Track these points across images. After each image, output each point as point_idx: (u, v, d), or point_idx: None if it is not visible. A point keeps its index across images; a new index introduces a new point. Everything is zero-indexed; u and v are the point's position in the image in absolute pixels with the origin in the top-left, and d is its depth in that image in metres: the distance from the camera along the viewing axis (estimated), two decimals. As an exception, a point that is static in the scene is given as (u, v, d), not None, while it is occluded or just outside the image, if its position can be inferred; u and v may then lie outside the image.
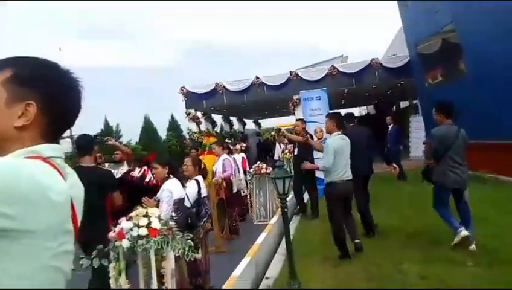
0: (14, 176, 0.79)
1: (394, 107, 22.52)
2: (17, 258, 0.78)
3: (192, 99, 15.92)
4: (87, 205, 3.46)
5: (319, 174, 7.19)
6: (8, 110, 0.91)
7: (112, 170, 4.71)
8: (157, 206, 3.54)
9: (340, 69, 14.54)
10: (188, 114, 16.05)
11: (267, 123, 30.70)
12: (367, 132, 5.83)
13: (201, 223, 4.14)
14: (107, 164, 5.67)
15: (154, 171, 3.96)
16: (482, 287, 3.41)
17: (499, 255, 4.03)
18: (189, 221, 3.92)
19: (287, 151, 10.17)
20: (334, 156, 4.55)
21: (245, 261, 4.23)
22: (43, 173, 0.85)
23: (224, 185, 6.77)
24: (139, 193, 4.41)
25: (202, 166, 4.65)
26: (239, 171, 7.90)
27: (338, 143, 4.65)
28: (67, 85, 1.00)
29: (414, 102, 17.05)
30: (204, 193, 4.35)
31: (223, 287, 3.65)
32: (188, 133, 16.71)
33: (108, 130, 17.74)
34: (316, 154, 6.92)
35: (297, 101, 13.16)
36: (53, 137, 0.97)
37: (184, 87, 15.82)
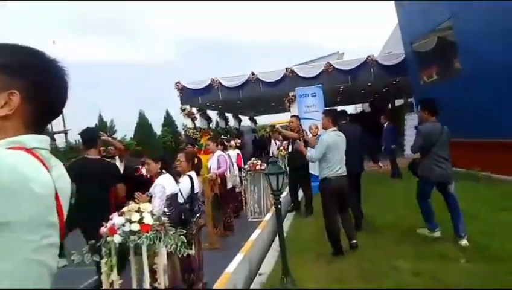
0: None
1: (389, 105, 22.57)
2: None
3: (187, 95, 15.86)
4: (91, 195, 3.55)
5: (313, 171, 7.19)
6: None
7: None
8: (149, 201, 3.51)
9: (336, 66, 14.54)
10: (183, 110, 15.99)
11: (262, 120, 30.68)
12: (359, 129, 5.89)
13: (195, 219, 4.12)
14: None
15: (146, 167, 3.94)
16: (473, 283, 3.42)
17: (490, 252, 4.05)
18: (183, 217, 3.91)
19: (282, 148, 10.16)
20: (327, 152, 4.57)
21: (239, 257, 4.23)
22: (26, 164, 0.82)
23: (219, 181, 6.76)
24: (143, 186, 4.44)
25: (197, 160, 4.63)
26: (233, 168, 7.89)
27: (333, 139, 4.67)
28: (53, 74, 0.97)
29: (409, 100, 17.10)
30: (197, 188, 4.34)
31: (216, 283, 3.65)
32: (183, 129, 16.66)
33: (103, 126, 17.64)
34: (310, 151, 6.91)
35: (293, 97, 13.15)
36: (38, 127, 0.95)
37: (179, 83, 15.76)
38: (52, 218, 0.87)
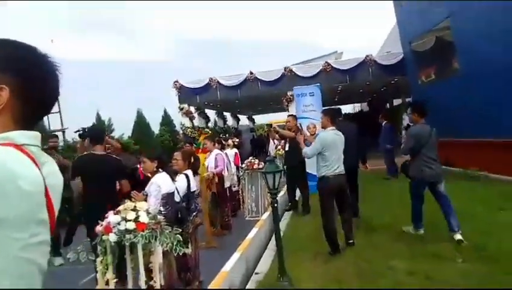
0: None
1: (387, 104, 22.59)
2: None
3: (185, 93, 15.84)
4: (97, 189, 3.66)
5: (310, 170, 7.20)
6: None
7: None
8: (145, 200, 3.50)
9: (334, 66, 14.54)
10: (181, 109, 15.97)
11: (261, 119, 30.72)
12: (355, 127, 5.93)
13: (191, 217, 4.11)
14: None
15: (142, 165, 3.93)
16: (469, 283, 3.42)
17: (487, 251, 4.05)
18: (179, 215, 3.90)
19: (280, 147, 10.15)
20: (325, 150, 4.59)
21: (235, 256, 4.23)
22: (15, 161, 0.81)
23: (216, 180, 6.75)
24: (140, 185, 4.49)
25: (194, 159, 4.63)
26: (231, 167, 7.89)
27: (331, 137, 4.69)
28: (44, 69, 0.95)
29: (407, 100, 17.11)
30: (193, 187, 4.33)
31: (213, 282, 3.64)
32: (181, 128, 16.62)
33: (100, 124, 17.57)
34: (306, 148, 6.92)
35: (291, 97, 13.13)
36: (28, 123, 0.93)
37: (177, 82, 15.74)
38: (42, 215, 0.86)
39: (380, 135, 10.53)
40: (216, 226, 6.63)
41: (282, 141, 8.31)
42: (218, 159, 6.93)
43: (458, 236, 4.48)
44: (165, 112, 21.09)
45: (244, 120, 28.68)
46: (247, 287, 3.99)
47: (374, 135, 11.17)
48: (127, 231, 2.88)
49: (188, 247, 3.81)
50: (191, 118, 16.28)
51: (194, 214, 4.22)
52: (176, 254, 3.13)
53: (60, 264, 5.37)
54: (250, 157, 8.35)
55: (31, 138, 0.90)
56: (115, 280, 2.95)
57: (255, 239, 5.17)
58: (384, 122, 10.54)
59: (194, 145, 10.45)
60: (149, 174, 3.87)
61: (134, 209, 3.00)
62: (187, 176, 4.21)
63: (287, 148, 7.24)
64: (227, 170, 7.39)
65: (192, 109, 16.60)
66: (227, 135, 15.59)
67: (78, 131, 4.91)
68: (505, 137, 7.91)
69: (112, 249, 2.97)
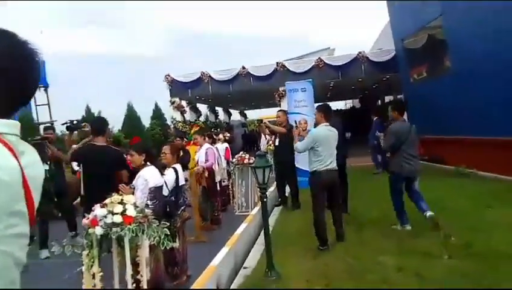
0: None
1: (379, 101, 22.71)
2: None
3: (177, 87, 15.74)
4: (97, 179, 3.71)
5: (300, 165, 7.19)
6: None
7: None
8: (133, 193, 3.46)
9: (326, 62, 14.56)
10: (173, 103, 15.87)
11: (253, 114, 30.64)
12: (340, 123, 5.98)
13: (179, 211, 4.08)
14: None
15: (130, 158, 3.87)
16: (457, 279, 3.44)
17: (474, 248, 4.08)
18: (167, 209, 3.86)
19: (271, 142, 10.12)
20: (318, 145, 4.59)
21: (224, 251, 4.22)
22: None
23: (206, 174, 6.71)
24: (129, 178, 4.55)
25: (184, 153, 4.60)
26: (221, 161, 7.85)
27: (324, 133, 4.69)
28: (24, 56, 0.91)
29: (399, 97, 17.20)
30: (182, 181, 4.29)
31: (201, 276, 3.62)
32: (172, 122, 16.52)
33: (90, 117, 17.35)
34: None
35: (283, 92, 13.13)
36: (6, 112, 0.89)
37: (169, 76, 15.63)
38: (19, 207, 0.82)
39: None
40: (207, 219, 6.60)
41: (273, 137, 8.29)
42: (209, 154, 6.88)
43: (429, 213, 4.78)
44: (156, 105, 20.92)
45: (236, 115, 28.63)
46: (235, 281, 3.97)
47: (365, 132, 11.20)
48: (114, 224, 2.84)
49: (175, 241, 3.78)
50: (182, 112, 16.18)
51: (183, 208, 4.19)
52: (163, 248, 3.10)
53: (46, 257, 5.31)
54: (241, 152, 8.32)
55: (9, 126, 0.86)
56: (101, 274, 2.92)
57: (244, 234, 5.15)
58: (375, 118, 10.59)
59: (186, 139, 10.39)
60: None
61: (122, 203, 2.96)
62: (176, 170, 4.17)
63: (277, 144, 7.22)
64: (218, 164, 7.35)
65: (183, 103, 16.50)
66: (218, 130, 15.52)
67: (66, 123, 4.85)
68: (495, 135, 7.99)
69: (97, 243, 2.93)
